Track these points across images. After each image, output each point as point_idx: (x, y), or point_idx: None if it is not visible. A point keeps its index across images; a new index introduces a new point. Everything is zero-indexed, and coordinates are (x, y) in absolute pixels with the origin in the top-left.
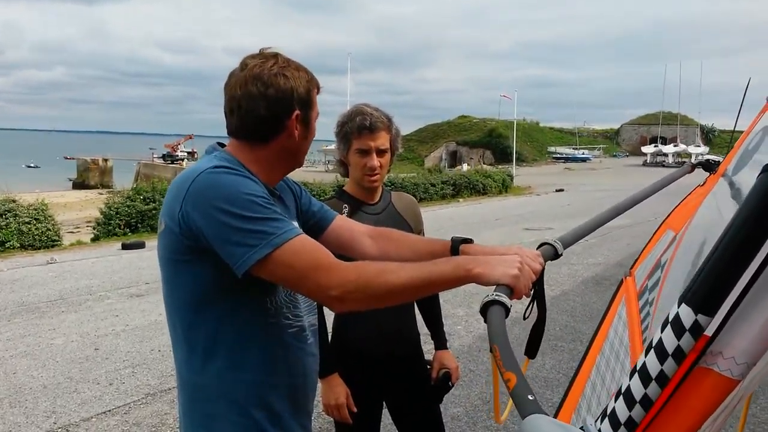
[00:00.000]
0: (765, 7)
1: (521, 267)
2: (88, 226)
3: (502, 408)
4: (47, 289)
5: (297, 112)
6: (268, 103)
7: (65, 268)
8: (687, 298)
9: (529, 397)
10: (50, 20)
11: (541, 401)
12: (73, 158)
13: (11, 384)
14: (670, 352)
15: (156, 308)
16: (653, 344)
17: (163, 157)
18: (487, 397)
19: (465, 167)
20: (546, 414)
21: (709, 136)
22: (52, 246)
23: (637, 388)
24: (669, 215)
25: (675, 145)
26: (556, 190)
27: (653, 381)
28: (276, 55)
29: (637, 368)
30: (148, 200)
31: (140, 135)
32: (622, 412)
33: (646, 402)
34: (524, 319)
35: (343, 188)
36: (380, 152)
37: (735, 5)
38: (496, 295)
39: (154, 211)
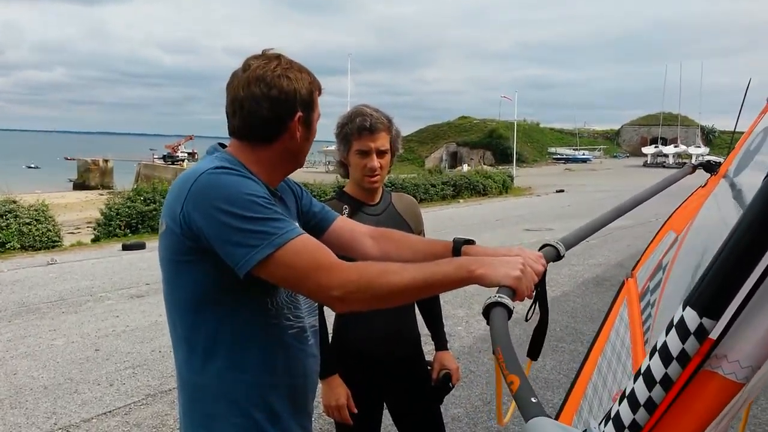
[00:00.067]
0: (765, 7)
1: (524, 268)
2: (88, 227)
3: (504, 410)
4: (48, 290)
5: (299, 113)
6: (270, 104)
7: (66, 269)
8: (692, 301)
9: (533, 399)
10: (50, 20)
11: (542, 402)
12: (74, 159)
13: (12, 385)
14: (674, 355)
15: (156, 309)
16: (658, 347)
17: (164, 157)
18: (487, 398)
19: (465, 168)
20: (549, 417)
21: (709, 136)
22: (53, 247)
23: (642, 392)
24: (671, 216)
25: (675, 146)
26: (557, 191)
27: (657, 384)
28: (279, 57)
29: (642, 371)
30: (148, 201)
31: (140, 136)
32: (627, 415)
33: (651, 405)
34: (526, 320)
35: (344, 189)
36: (380, 153)
37: (735, 5)
38: (499, 296)
39: (154, 212)
